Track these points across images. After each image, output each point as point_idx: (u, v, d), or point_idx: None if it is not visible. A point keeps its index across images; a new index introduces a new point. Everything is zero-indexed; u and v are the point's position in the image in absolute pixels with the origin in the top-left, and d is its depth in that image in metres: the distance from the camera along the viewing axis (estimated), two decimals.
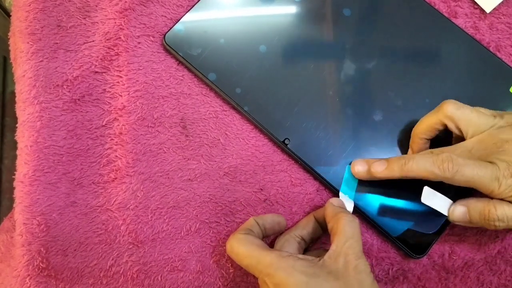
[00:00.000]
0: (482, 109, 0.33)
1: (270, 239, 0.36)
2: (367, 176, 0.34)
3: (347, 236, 0.30)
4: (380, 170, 0.33)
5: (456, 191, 0.33)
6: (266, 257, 0.29)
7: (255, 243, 0.31)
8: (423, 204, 0.33)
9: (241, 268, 0.35)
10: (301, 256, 0.30)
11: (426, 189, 0.33)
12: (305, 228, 0.34)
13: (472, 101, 0.37)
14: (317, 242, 0.36)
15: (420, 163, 0.31)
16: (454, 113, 0.32)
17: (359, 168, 0.35)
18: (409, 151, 0.36)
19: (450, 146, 0.33)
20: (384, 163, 0.33)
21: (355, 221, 0.31)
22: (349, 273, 0.28)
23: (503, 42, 0.40)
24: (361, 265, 0.29)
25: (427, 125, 0.34)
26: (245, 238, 0.31)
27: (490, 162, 0.30)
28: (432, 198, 0.33)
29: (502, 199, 0.31)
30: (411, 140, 0.35)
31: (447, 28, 0.39)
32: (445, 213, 0.33)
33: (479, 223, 0.31)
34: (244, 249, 0.31)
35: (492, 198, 0.31)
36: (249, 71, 0.38)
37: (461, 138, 0.33)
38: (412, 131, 0.35)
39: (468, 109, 0.32)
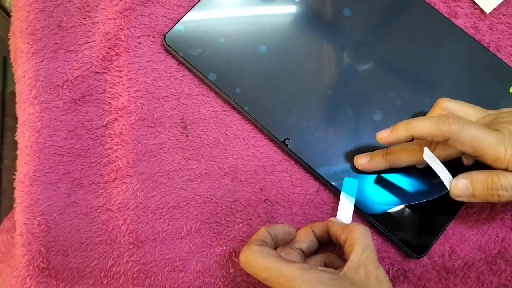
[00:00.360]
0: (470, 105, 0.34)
1: None
2: (372, 163, 0.35)
3: (364, 246, 0.30)
4: (386, 135, 0.33)
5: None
6: (288, 270, 0.29)
7: (272, 254, 0.30)
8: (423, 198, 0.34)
9: (242, 268, 0.35)
10: (321, 268, 0.29)
11: (427, 150, 0.31)
12: (304, 241, 0.33)
13: (472, 101, 0.37)
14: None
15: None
16: (453, 108, 0.33)
17: (363, 159, 0.35)
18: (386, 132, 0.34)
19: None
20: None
21: (368, 230, 0.31)
22: (371, 283, 0.28)
23: (503, 42, 0.40)
24: (381, 274, 0.29)
25: (426, 133, 0.32)
26: (260, 250, 0.30)
27: (495, 130, 0.30)
28: (434, 161, 0.32)
29: (505, 169, 0.30)
30: (396, 127, 0.33)
31: (447, 28, 0.39)
32: (447, 185, 0.32)
33: (482, 195, 0.31)
34: (261, 261, 0.29)
35: (494, 168, 0.30)
36: (249, 71, 0.38)
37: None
38: (406, 121, 0.32)
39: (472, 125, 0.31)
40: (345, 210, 0.35)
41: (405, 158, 0.34)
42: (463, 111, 0.33)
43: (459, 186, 0.31)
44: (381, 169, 0.35)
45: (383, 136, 0.33)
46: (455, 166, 0.33)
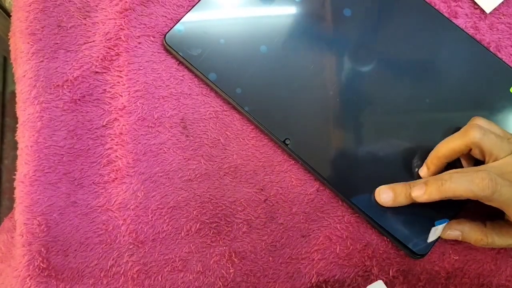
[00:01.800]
0: (501, 132, 0.33)
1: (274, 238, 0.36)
2: (395, 203, 0.34)
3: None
4: (420, 194, 0.32)
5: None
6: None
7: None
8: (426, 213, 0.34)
9: (242, 268, 0.35)
10: None
11: (432, 229, 0.34)
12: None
13: (472, 101, 0.37)
14: None
15: (458, 182, 0.31)
16: (481, 139, 0.32)
17: (386, 197, 0.35)
18: (424, 169, 0.35)
19: (480, 167, 0.33)
20: (422, 187, 0.32)
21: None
22: None
23: (504, 42, 0.40)
24: None
25: (451, 149, 0.33)
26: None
27: None
28: (434, 234, 0.35)
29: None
30: (429, 160, 0.34)
31: (447, 28, 0.39)
32: (439, 235, 0.35)
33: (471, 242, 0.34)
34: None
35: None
36: (250, 71, 0.38)
37: (477, 160, 0.34)
38: (434, 152, 0.34)
39: (492, 135, 0.32)
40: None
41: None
42: (491, 149, 0.32)
43: (451, 236, 0.34)
44: (404, 205, 0.35)
45: (417, 195, 0.33)
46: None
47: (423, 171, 0.35)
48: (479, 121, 0.34)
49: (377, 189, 0.35)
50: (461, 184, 0.31)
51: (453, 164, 0.35)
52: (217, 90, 0.37)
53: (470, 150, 0.33)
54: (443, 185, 0.31)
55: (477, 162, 0.34)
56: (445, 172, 0.32)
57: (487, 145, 0.32)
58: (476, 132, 0.32)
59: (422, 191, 0.32)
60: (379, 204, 0.35)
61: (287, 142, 0.36)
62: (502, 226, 0.33)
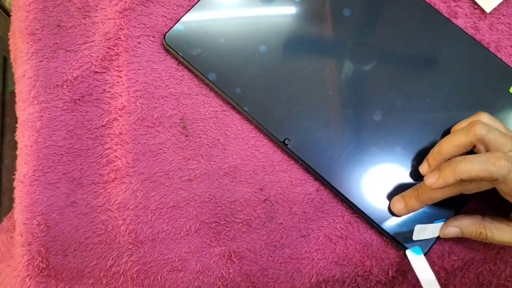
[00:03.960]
0: (504, 129, 0.33)
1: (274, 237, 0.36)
2: (408, 208, 0.34)
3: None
4: (434, 181, 0.31)
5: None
6: None
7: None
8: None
9: (241, 268, 0.35)
10: None
11: (417, 227, 0.34)
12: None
13: (472, 101, 0.37)
14: None
15: (474, 162, 0.30)
16: (486, 135, 0.31)
17: (398, 205, 0.35)
18: (424, 166, 0.34)
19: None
20: (435, 172, 0.32)
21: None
22: None
23: (503, 42, 0.40)
24: None
25: (455, 145, 0.32)
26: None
27: None
28: (422, 233, 0.34)
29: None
30: (431, 157, 0.34)
31: (447, 28, 0.39)
32: (437, 235, 0.34)
33: (472, 238, 0.34)
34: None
35: None
36: (249, 71, 0.38)
37: None
38: (437, 148, 0.33)
39: (496, 131, 0.32)
40: (423, 269, 0.34)
41: (439, 195, 0.33)
42: (496, 145, 0.32)
43: (450, 234, 0.34)
44: (419, 209, 0.35)
45: (432, 182, 0.32)
46: None
47: (423, 168, 0.34)
48: (483, 116, 0.34)
49: (391, 200, 0.35)
50: (477, 164, 0.30)
51: None
52: (217, 90, 0.37)
53: (474, 146, 0.33)
54: (458, 167, 0.30)
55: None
56: (456, 157, 0.32)
57: (492, 141, 0.31)
58: (480, 129, 0.31)
59: (436, 177, 0.31)
60: (379, 204, 0.35)
61: (287, 142, 0.36)
62: (501, 221, 0.33)
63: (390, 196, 0.36)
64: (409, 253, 0.34)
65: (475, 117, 0.34)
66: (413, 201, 0.34)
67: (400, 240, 0.35)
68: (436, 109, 0.37)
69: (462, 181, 0.31)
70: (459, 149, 0.33)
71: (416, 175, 0.36)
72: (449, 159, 0.33)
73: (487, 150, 0.32)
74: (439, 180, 0.31)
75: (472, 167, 0.30)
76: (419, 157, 0.36)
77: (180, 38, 0.38)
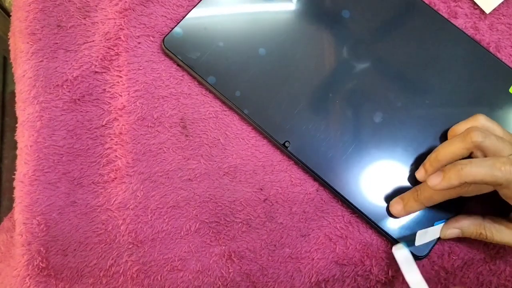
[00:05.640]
0: (502, 131, 0.33)
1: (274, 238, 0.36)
2: (406, 208, 0.34)
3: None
4: (438, 183, 0.31)
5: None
6: None
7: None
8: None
9: (241, 267, 0.35)
10: None
11: (419, 233, 0.34)
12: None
13: (472, 101, 0.37)
14: None
15: (479, 166, 0.30)
16: (483, 142, 0.31)
17: (397, 207, 0.34)
18: (421, 172, 0.34)
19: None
20: (439, 173, 0.31)
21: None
22: None
23: (503, 42, 0.40)
24: None
25: (452, 152, 0.32)
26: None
27: None
28: (424, 237, 0.34)
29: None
30: (428, 163, 0.34)
31: (447, 28, 0.39)
32: (437, 236, 0.34)
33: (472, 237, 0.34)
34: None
35: None
36: (249, 74, 0.38)
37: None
38: (434, 155, 0.33)
39: (493, 136, 0.31)
40: (411, 272, 0.33)
41: (438, 197, 0.33)
42: (494, 151, 0.32)
43: (450, 235, 0.34)
44: (417, 211, 0.35)
45: (435, 183, 0.31)
46: None
47: (420, 173, 0.34)
48: (481, 118, 0.34)
49: (390, 202, 0.35)
50: (482, 168, 0.30)
51: None
52: (216, 93, 0.37)
53: (471, 152, 0.33)
54: (463, 169, 0.30)
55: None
56: (462, 160, 0.32)
57: (490, 147, 0.31)
58: (477, 135, 0.31)
59: (439, 178, 0.31)
60: (379, 205, 0.35)
61: (287, 144, 0.36)
62: (501, 222, 0.33)
63: (391, 197, 0.36)
64: (396, 251, 0.34)
65: (472, 119, 0.34)
66: (412, 202, 0.34)
67: (400, 241, 0.35)
68: (436, 110, 0.37)
69: (465, 183, 0.30)
70: (456, 156, 0.32)
71: (414, 177, 0.36)
72: (446, 165, 0.33)
73: (485, 155, 0.32)
74: (443, 182, 0.31)
75: (477, 171, 0.30)
76: (419, 158, 0.36)
77: (179, 41, 0.38)
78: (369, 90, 0.38)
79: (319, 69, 0.38)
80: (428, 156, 0.34)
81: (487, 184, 0.30)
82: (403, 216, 0.35)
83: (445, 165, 0.32)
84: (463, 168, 0.30)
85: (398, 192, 0.35)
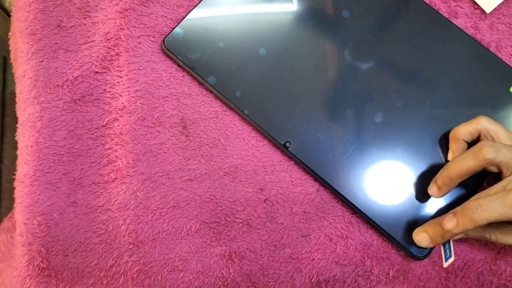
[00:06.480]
0: (506, 134, 0.33)
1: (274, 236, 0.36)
2: (441, 241, 0.33)
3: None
4: (454, 226, 0.31)
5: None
6: None
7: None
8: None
9: (242, 268, 0.35)
10: None
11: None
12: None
13: (472, 101, 0.37)
14: None
15: (490, 209, 0.30)
16: (496, 157, 0.31)
17: (421, 240, 0.34)
18: (434, 189, 0.34)
19: (499, 184, 0.32)
20: (452, 219, 0.32)
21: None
22: None
23: (504, 42, 0.40)
24: None
25: (465, 170, 0.32)
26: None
27: None
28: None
29: None
30: (440, 181, 0.33)
31: (447, 28, 0.39)
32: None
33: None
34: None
35: None
36: (249, 75, 0.38)
37: (470, 144, 0.34)
38: (445, 172, 0.33)
39: (504, 148, 0.31)
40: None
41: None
42: (507, 164, 0.32)
43: (456, 238, 0.35)
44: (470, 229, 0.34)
45: (451, 227, 0.32)
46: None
47: (432, 190, 0.34)
48: (484, 120, 0.34)
49: (414, 232, 0.34)
50: (494, 210, 0.30)
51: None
52: (217, 94, 0.37)
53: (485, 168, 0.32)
54: (475, 214, 0.30)
55: (470, 145, 0.34)
56: (471, 199, 0.32)
57: (504, 161, 0.31)
58: (489, 152, 0.31)
59: (453, 223, 0.31)
60: (380, 205, 0.35)
61: (288, 145, 0.36)
62: (505, 226, 0.33)
63: (392, 198, 0.35)
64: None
65: (475, 121, 0.34)
66: (439, 238, 0.33)
67: (401, 241, 0.35)
68: (437, 109, 0.37)
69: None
70: (468, 174, 0.32)
71: (417, 176, 0.36)
72: (459, 182, 0.33)
73: (499, 170, 0.32)
74: (458, 227, 0.31)
75: (489, 214, 0.30)
76: (420, 158, 0.36)
77: (179, 42, 0.38)
78: (370, 90, 0.38)
79: (320, 69, 0.38)
80: (440, 172, 0.34)
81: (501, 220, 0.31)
82: (430, 247, 0.34)
83: (458, 182, 0.33)
84: (475, 212, 0.30)
85: (400, 191, 0.35)
